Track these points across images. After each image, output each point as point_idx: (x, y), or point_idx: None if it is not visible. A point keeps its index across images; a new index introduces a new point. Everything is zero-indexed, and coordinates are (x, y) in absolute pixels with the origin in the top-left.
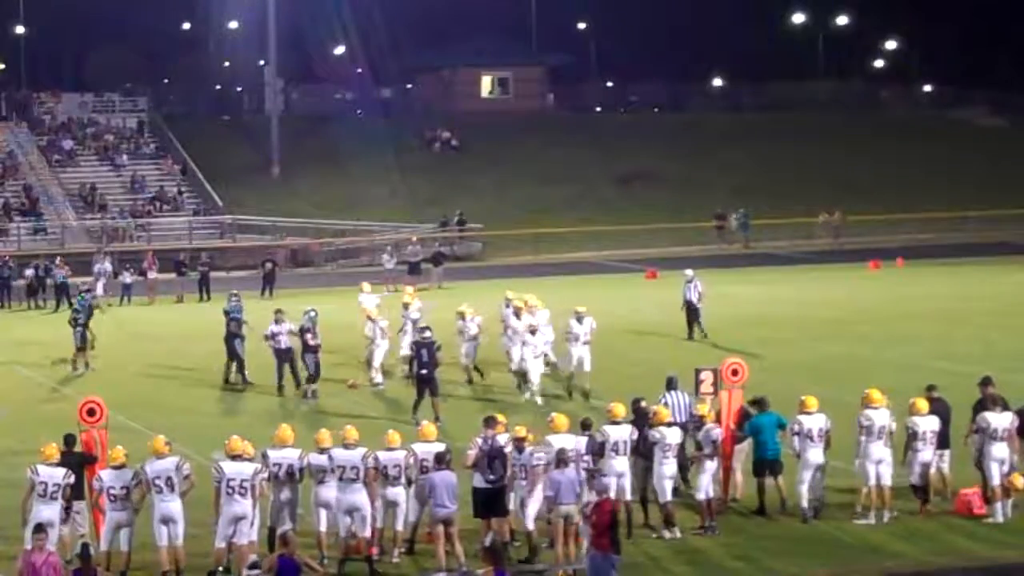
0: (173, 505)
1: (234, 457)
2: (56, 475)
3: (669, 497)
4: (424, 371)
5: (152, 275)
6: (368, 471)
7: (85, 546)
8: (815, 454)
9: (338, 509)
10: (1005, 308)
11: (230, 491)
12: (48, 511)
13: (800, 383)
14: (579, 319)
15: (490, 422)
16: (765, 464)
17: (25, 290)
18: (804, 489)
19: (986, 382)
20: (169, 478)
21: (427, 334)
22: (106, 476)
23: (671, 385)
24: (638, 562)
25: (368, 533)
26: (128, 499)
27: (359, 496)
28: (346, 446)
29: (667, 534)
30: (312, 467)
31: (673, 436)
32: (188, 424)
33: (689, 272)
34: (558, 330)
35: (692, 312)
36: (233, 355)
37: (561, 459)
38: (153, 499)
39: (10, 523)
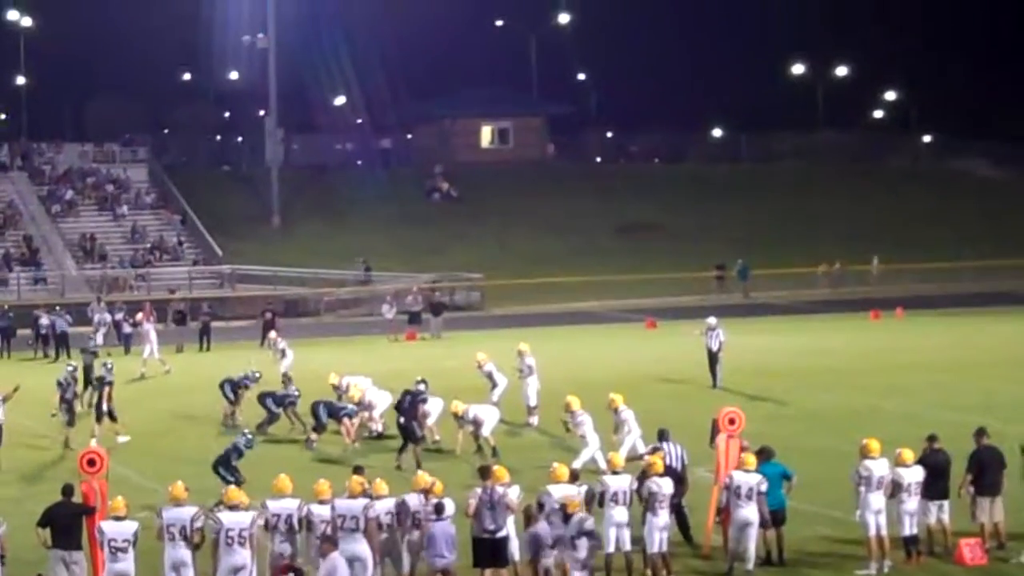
0: (184, 552)
1: (232, 507)
2: None
3: (665, 548)
4: (402, 419)
5: (147, 326)
6: (369, 522)
7: None
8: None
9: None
10: (1005, 358)
11: (229, 541)
12: None
13: (799, 432)
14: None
15: (485, 472)
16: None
17: (37, 339)
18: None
19: (981, 432)
20: (184, 527)
21: (420, 386)
22: (107, 527)
23: (663, 437)
24: None
25: None
26: (128, 551)
27: (360, 546)
28: (349, 497)
29: None
30: (313, 518)
31: (668, 487)
32: (189, 474)
33: (712, 320)
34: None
35: (712, 360)
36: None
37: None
38: (164, 545)
39: None
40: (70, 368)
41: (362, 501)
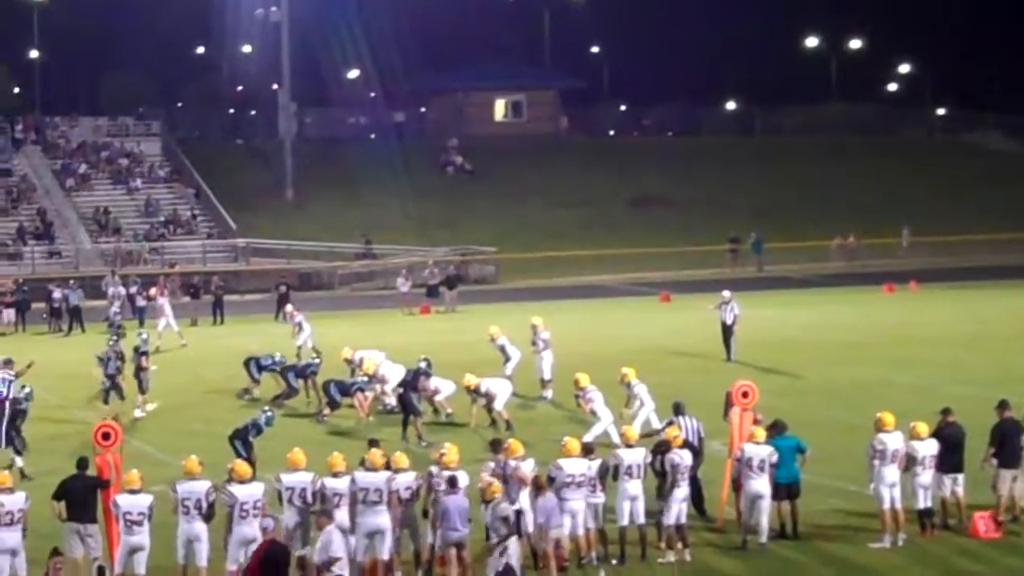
0: (199, 526)
1: (242, 481)
2: (17, 501)
3: (684, 520)
4: (402, 390)
5: (162, 300)
6: (391, 495)
7: (102, 568)
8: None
9: (359, 532)
10: (1020, 331)
11: (244, 514)
12: (12, 538)
13: (813, 406)
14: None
15: (497, 446)
16: (781, 488)
17: (49, 312)
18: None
19: (1004, 405)
20: (198, 500)
21: (422, 363)
22: (122, 500)
23: (678, 411)
24: None
25: (387, 556)
26: (144, 523)
27: (382, 518)
28: (370, 469)
29: (672, 556)
30: (327, 491)
31: (688, 459)
32: (204, 448)
33: (726, 293)
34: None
35: (727, 333)
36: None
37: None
38: (178, 519)
39: None
40: (111, 342)
41: (385, 474)
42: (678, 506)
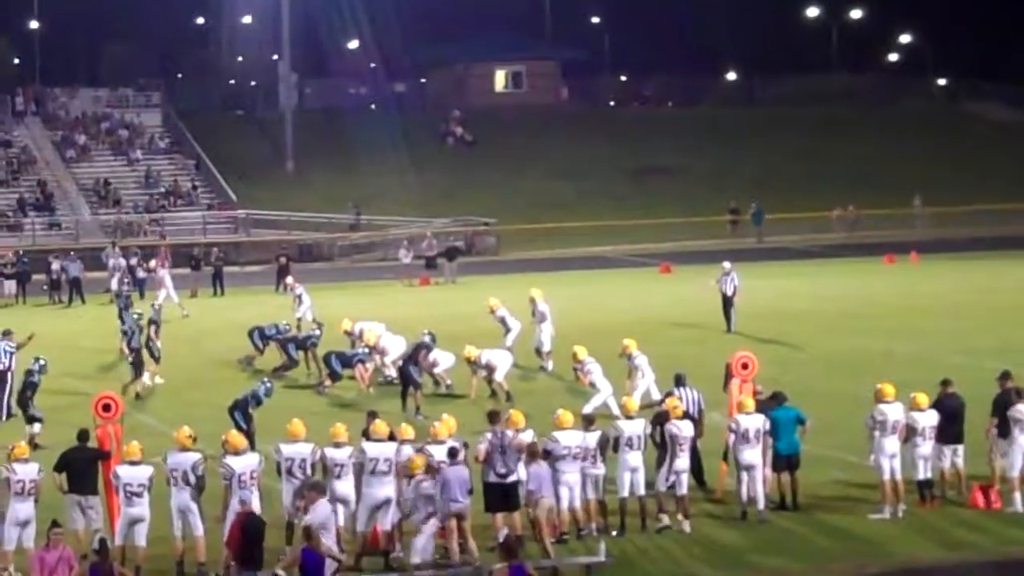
0: (187, 497)
1: (237, 453)
2: (31, 472)
3: (684, 491)
4: (402, 363)
5: (162, 272)
6: (399, 465)
7: (103, 540)
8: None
9: (365, 503)
10: (1021, 302)
11: (242, 485)
12: (25, 509)
13: (813, 377)
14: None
15: (494, 417)
16: (781, 459)
17: (48, 284)
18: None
19: (1006, 376)
20: (185, 472)
21: (426, 337)
22: (122, 472)
23: (680, 382)
24: (654, 556)
25: (389, 527)
26: (144, 495)
27: (389, 489)
28: (377, 440)
29: (667, 520)
30: (328, 461)
31: (688, 430)
32: (204, 418)
33: (727, 264)
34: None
35: (727, 304)
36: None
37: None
38: (169, 489)
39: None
40: (134, 316)
41: (393, 444)
42: (676, 477)
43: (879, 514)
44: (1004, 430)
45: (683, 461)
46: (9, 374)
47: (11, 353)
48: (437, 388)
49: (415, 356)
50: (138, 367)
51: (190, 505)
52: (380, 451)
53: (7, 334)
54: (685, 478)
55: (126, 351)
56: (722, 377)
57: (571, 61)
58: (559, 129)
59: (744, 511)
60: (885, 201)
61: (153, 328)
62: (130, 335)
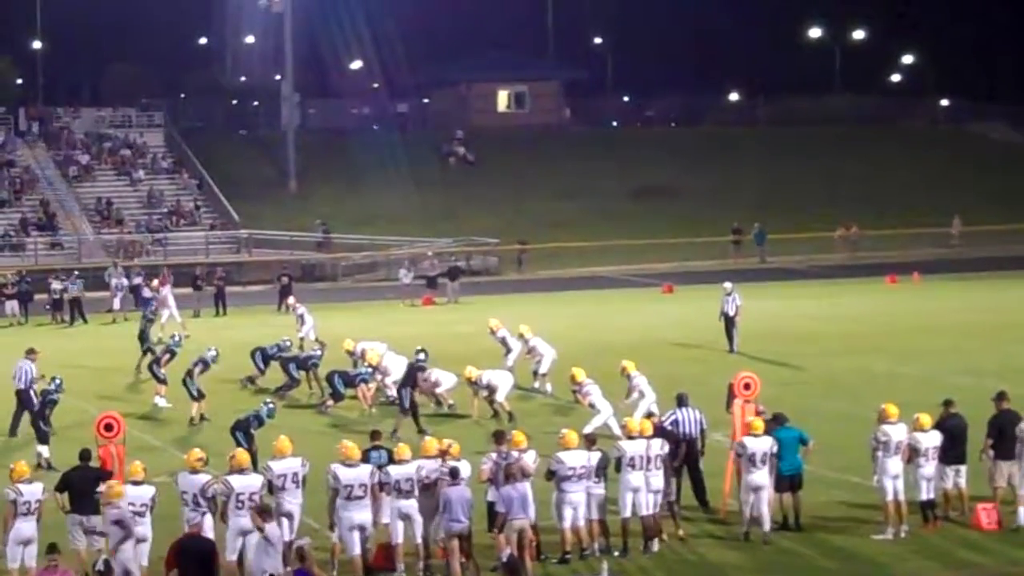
0: (199, 517)
1: (240, 471)
2: (35, 492)
3: (653, 511)
4: (398, 388)
5: (164, 291)
6: (373, 487)
7: (107, 562)
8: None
9: (392, 517)
10: (1022, 322)
11: (239, 505)
12: (28, 528)
13: (816, 397)
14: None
15: (500, 437)
16: (784, 479)
17: (50, 304)
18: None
19: (1001, 396)
20: (195, 495)
21: (420, 355)
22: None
23: (681, 402)
24: None
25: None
26: (146, 515)
27: (411, 503)
28: (400, 462)
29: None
30: (340, 483)
31: (632, 449)
32: (207, 439)
33: (728, 285)
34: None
35: (729, 324)
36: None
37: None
38: (181, 511)
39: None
40: (176, 337)
41: (415, 464)
42: (632, 495)
43: (882, 535)
44: (1000, 450)
45: (642, 479)
46: (31, 392)
47: (31, 377)
48: (439, 408)
49: (411, 379)
50: (162, 381)
51: (201, 525)
52: (403, 472)
53: (31, 353)
54: (652, 499)
55: (144, 370)
56: (724, 397)
57: (573, 81)
58: (561, 149)
59: (747, 532)
60: (887, 221)
61: (167, 356)
62: (160, 359)
